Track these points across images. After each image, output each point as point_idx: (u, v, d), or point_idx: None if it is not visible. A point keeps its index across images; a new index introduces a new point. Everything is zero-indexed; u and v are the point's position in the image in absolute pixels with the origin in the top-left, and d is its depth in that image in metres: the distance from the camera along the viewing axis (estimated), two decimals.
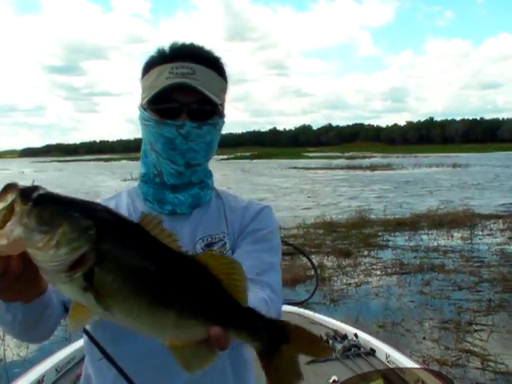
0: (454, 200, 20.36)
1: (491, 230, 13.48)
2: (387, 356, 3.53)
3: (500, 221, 14.70)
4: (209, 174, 1.56)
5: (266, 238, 1.51)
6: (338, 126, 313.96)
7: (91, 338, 1.29)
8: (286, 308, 4.19)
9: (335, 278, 9.00)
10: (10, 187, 0.85)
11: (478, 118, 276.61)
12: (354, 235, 12.50)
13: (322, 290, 8.03)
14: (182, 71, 1.37)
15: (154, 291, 0.87)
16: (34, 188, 0.86)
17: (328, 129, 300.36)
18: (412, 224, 14.06)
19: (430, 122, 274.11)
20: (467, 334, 6.29)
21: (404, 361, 3.40)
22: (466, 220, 14.47)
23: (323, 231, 13.06)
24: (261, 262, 1.42)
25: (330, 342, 3.79)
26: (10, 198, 0.84)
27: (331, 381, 3.25)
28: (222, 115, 1.47)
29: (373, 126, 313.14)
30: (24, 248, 0.83)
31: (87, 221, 0.84)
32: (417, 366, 3.36)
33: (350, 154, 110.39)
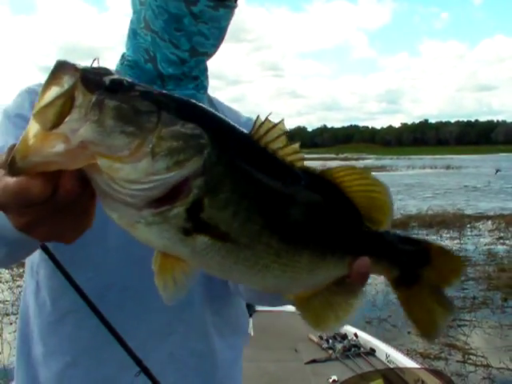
0: (445, 201, 20.62)
1: (480, 230, 13.74)
2: (387, 356, 3.62)
3: (489, 222, 14.95)
4: (206, 73, 1.29)
5: None
6: (332, 128, 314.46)
7: (74, 285, 1.07)
8: (286, 308, 4.22)
9: None
10: (63, 67, 0.59)
11: (473, 120, 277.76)
12: None
13: None
14: None
15: (287, 228, 0.69)
16: (102, 70, 0.62)
17: (323, 130, 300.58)
18: (403, 224, 14.27)
19: (425, 124, 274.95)
20: (451, 330, 6.51)
21: (404, 360, 3.49)
22: (456, 221, 14.70)
23: None
24: None
25: (330, 341, 3.88)
26: (66, 81, 0.57)
27: (331, 380, 3.35)
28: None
29: (368, 127, 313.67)
30: (90, 159, 0.57)
31: (194, 125, 0.62)
32: (417, 365, 3.50)
33: (345, 155, 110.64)
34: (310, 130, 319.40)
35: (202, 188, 0.61)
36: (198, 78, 1.24)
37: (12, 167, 0.57)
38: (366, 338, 3.94)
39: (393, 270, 0.80)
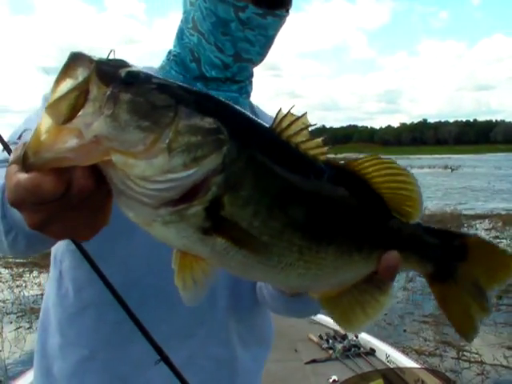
0: (442, 200, 20.69)
1: (477, 229, 13.78)
2: (387, 356, 3.63)
3: (486, 220, 15.04)
4: (251, 78, 1.27)
5: None
6: (331, 128, 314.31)
7: (102, 276, 1.04)
8: None
9: None
10: (78, 58, 0.56)
11: (472, 120, 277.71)
12: None
13: None
14: None
15: (311, 224, 0.66)
16: (117, 61, 0.59)
17: (322, 130, 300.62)
18: None
19: (424, 124, 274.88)
20: (446, 327, 6.56)
21: (404, 360, 3.50)
22: (453, 220, 14.76)
23: None
24: None
25: (330, 341, 3.88)
26: (80, 74, 0.55)
27: (331, 380, 3.35)
28: (289, 9, 1.20)
29: (367, 127, 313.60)
30: (104, 155, 0.55)
31: (212, 119, 0.59)
32: (417, 365, 3.50)
33: (343, 155, 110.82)
34: (308, 130, 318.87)
35: (221, 186, 0.58)
36: (242, 82, 1.22)
37: (25, 163, 0.55)
38: (366, 338, 3.95)
39: (426, 264, 0.76)
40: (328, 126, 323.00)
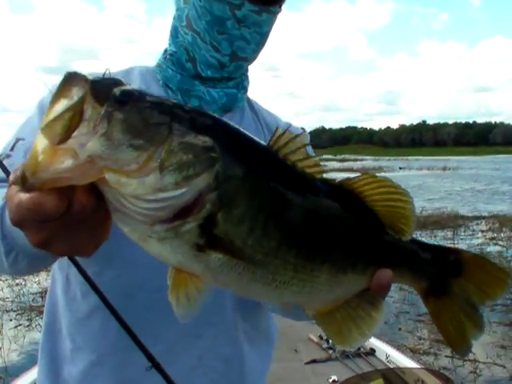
0: (439, 201, 20.77)
1: (473, 230, 13.86)
2: (387, 356, 3.65)
3: (483, 222, 15.09)
4: (246, 73, 1.28)
5: None
6: (331, 129, 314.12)
7: (101, 296, 1.05)
8: None
9: None
10: (73, 78, 0.57)
11: (471, 122, 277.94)
12: None
13: None
14: None
15: (305, 242, 0.66)
16: (112, 80, 0.59)
17: (321, 131, 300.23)
18: None
19: (423, 126, 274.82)
20: None
21: (404, 361, 3.52)
22: (450, 221, 14.84)
23: None
24: None
25: (330, 341, 3.85)
26: (75, 93, 0.56)
27: (331, 380, 3.36)
28: (282, 4, 1.19)
29: (366, 128, 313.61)
30: (99, 174, 0.56)
31: (205, 137, 0.59)
32: (417, 365, 3.51)
33: (342, 156, 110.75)
34: (308, 131, 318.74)
35: (215, 203, 0.58)
36: (238, 78, 1.23)
37: (24, 184, 0.57)
38: None
39: (420, 280, 0.77)
40: (327, 127, 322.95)
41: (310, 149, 1.27)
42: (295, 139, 0.66)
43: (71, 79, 0.56)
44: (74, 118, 0.55)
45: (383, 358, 3.68)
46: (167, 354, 1.10)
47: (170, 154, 0.56)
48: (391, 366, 3.58)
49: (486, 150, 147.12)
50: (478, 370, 5.43)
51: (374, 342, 3.85)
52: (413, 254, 0.76)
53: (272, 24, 1.19)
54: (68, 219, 0.60)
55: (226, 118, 1.13)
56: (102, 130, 0.55)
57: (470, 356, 5.72)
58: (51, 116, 0.55)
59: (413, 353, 5.73)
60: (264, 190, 0.62)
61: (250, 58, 1.21)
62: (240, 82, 1.25)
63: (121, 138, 0.55)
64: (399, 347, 5.70)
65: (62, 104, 0.55)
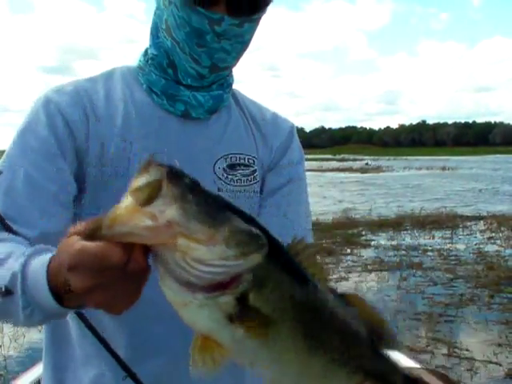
0: (438, 201, 20.84)
1: (472, 230, 13.92)
2: None
3: (481, 222, 15.14)
4: (231, 72, 1.23)
5: (301, 181, 1.31)
6: (330, 129, 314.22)
7: (105, 344, 1.06)
8: None
9: None
10: (151, 163, 0.69)
11: (471, 122, 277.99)
12: (339, 235, 12.88)
13: None
14: None
15: (313, 332, 0.75)
16: (182, 171, 0.71)
17: (321, 131, 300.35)
18: (396, 224, 14.48)
19: (423, 125, 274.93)
20: (438, 325, 6.72)
21: (404, 360, 3.37)
22: (448, 221, 14.90)
23: None
24: (302, 230, 1.25)
25: None
26: (153, 174, 0.67)
27: None
28: (266, 8, 1.13)
29: (365, 128, 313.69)
30: (172, 237, 0.65)
31: (255, 227, 0.70)
32: (417, 365, 3.41)
33: (342, 156, 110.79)
34: (307, 130, 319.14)
35: (250, 283, 0.68)
36: (222, 79, 1.20)
37: (95, 233, 0.66)
38: None
39: None
40: (327, 127, 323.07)
41: (297, 139, 1.33)
42: (309, 248, 0.77)
43: (149, 164, 0.68)
44: (153, 192, 0.65)
45: None
46: (174, 364, 1.11)
47: (232, 233, 0.66)
48: None
49: (485, 150, 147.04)
50: (474, 368, 5.47)
51: None
52: (387, 373, 0.82)
53: (255, 29, 1.14)
54: (119, 273, 0.67)
55: (214, 119, 1.19)
56: (180, 204, 0.65)
57: (467, 354, 5.79)
58: (136, 185, 0.66)
59: (410, 351, 5.76)
60: (284, 283, 0.72)
61: (232, 64, 1.18)
62: (224, 81, 1.21)
63: (195, 215, 0.66)
64: None
65: (145, 178, 0.67)
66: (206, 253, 0.65)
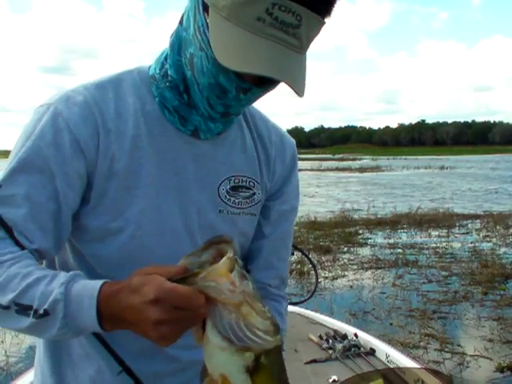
0: (435, 200, 20.99)
1: (468, 229, 14.02)
2: (387, 356, 3.58)
3: (478, 220, 15.25)
4: None
5: (294, 211, 1.34)
6: (330, 128, 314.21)
7: (110, 351, 1.09)
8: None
9: (313, 273, 9.50)
10: (226, 240, 0.88)
11: (470, 121, 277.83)
12: (336, 233, 13.01)
13: (300, 283, 8.60)
14: (284, 18, 0.90)
15: None
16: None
17: (320, 131, 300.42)
18: (392, 223, 14.59)
19: (422, 125, 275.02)
20: (431, 321, 6.82)
21: (404, 360, 3.46)
22: (445, 220, 15.01)
23: (306, 230, 13.54)
24: (283, 263, 1.34)
25: (330, 341, 3.84)
26: (229, 251, 0.86)
27: (331, 380, 3.33)
28: None
29: (365, 128, 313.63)
30: (240, 303, 0.83)
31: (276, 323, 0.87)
32: (417, 365, 3.45)
33: (341, 155, 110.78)
34: (307, 130, 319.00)
35: (262, 350, 0.84)
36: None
37: (188, 280, 0.84)
38: (366, 338, 3.93)
39: None
40: (326, 127, 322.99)
41: (296, 161, 1.33)
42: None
43: (223, 239, 0.88)
44: (232, 264, 0.83)
45: (383, 358, 3.65)
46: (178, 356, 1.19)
47: (273, 319, 0.86)
48: (391, 366, 3.56)
49: (484, 150, 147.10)
50: (465, 362, 5.57)
51: (374, 342, 3.88)
52: None
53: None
54: (191, 315, 0.83)
55: (221, 138, 1.18)
56: (247, 282, 0.84)
57: (458, 349, 5.91)
58: (231, 254, 0.85)
59: (403, 347, 5.88)
60: (280, 367, 0.89)
61: (242, 112, 1.20)
62: (237, 111, 1.16)
63: (255, 292, 0.85)
64: (390, 341, 5.88)
65: (233, 251, 0.86)
66: (259, 323, 0.83)
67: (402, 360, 3.44)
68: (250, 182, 1.21)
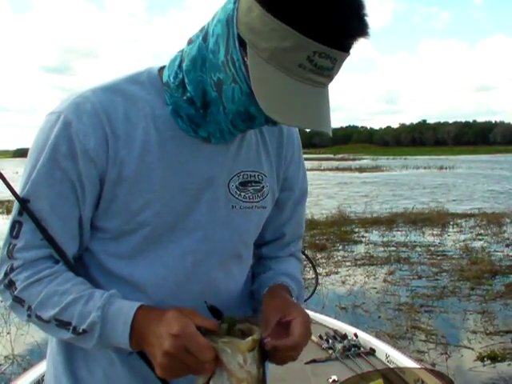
0: (431, 199, 21.21)
1: (461, 227, 14.23)
2: (387, 356, 3.58)
3: (471, 219, 15.47)
4: None
5: (305, 194, 1.41)
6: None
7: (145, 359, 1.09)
8: None
9: (307, 269, 9.69)
10: (257, 323, 1.03)
11: (471, 121, 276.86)
12: (332, 232, 13.21)
13: None
14: (323, 64, 0.93)
15: None
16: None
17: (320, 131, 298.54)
18: (388, 222, 14.83)
19: (423, 125, 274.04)
20: (418, 314, 7.09)
21: (404, 360, 3.46)
22: (439, 218, 15.20)
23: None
24: (300, 228, 1.43)
25: (330, 341, 3.83)
26: (256, 334, 1.00)
27: (331, 380, 3.32)
28: None
29: (366, 128, 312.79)
30: (241, 374, 0.96)
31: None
32: (417, 365, 3.45)
33: (342, 155, 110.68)
34: (308, 130, 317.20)
35: None
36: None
37: (212, 336, 0.98)
38: (366, 338, 3.87)
39: None
40: None
41: (300, 142, 1.37)
42: None
43: (255, 324, 1.06)
44: (253, 347, 1.00)
45: (383, 358, 3.59)
46: None
47: (252, 358, 0.99)
48: (391, 366, 3.47)
49: (485, 149, 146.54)
50: (448, 352, 5.82)
51: (374, 342, 3.82)
52: None
53: None
54: (196, 363, 0.96)
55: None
56: (258, 367, 1.01)
57: (443, 340, 6.17)
58: (256, 337, 1.00)
59: (390, 338, 6.15)
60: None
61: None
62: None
63: (259, 379, 1.01)
64: (377, 333, 6.14)
65: (256, 337, 1.01)
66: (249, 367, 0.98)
67: (401, 360, 3.45)
68: (258, 175, 1.22)
